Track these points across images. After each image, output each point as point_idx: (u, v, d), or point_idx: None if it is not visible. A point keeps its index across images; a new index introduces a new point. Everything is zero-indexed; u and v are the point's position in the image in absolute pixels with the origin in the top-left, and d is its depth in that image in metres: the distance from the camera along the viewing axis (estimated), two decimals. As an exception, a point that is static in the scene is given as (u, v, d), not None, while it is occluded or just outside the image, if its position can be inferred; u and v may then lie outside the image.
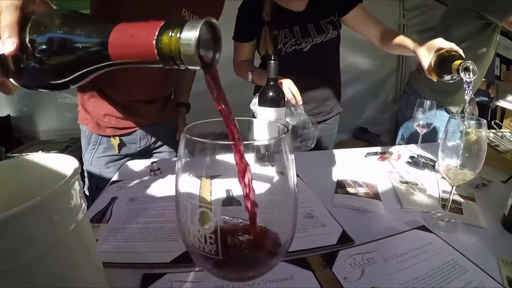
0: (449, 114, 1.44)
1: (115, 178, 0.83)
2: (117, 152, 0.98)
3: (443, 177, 0.86)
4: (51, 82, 0.33)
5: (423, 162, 0.96)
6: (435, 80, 0.78)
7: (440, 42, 0.76)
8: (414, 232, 0.57)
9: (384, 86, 3.03)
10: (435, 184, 0.82)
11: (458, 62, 0.66)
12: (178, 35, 0.23)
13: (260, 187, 0.25)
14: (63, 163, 0.36)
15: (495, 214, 0.64)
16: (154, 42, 0.24)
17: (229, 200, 0.27)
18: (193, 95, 1.27)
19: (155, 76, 0.98)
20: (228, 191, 0.26)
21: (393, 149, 1.11)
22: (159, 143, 1.12)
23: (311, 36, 1.13)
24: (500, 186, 0.82)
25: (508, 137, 1.07)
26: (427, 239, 0.55)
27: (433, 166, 0.93)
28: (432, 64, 0.75)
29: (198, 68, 0.25)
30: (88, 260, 0.36)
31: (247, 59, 1.22)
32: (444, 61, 0.72)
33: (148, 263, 0.49)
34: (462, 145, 0.53)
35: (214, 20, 0.25)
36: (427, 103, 1.05)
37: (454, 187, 0.59)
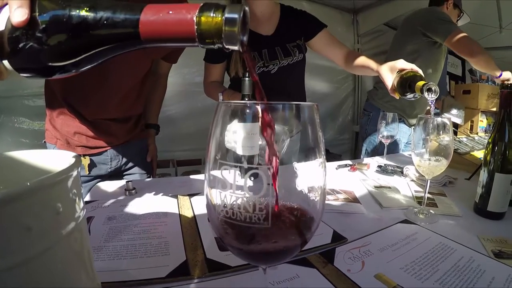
0: (408, 126, 1.59)
1: (87, 199, 0.77)
2: (87, 173, 0.91)
3: (412, 180, 0.94)
4: (56, 64, 0.29)
5: (391, 169, 1.04)
6: (398, 98, 0.84)
7: (402, 64, 0.82)
8: (399, 225, 0.61)
9: (342, 108, 3.22)
10: (406, 186, 0.89)
11: (421, 83, 0.72)
12: (220, 15, 0.25)
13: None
14: (56, 159, 0.31)
15: (466, 204, 0.72)
16: (195, 18, 0.25)
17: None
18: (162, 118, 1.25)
19: (128, 94, 0.95)
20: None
21: (361, 160, 1.18)
22: (130, 164, 1.07)
23: (278, 59, 1.19)
24: (465, 182, 0.93)
25: (465, 141, 1.21)
26: (413, 230, 0.58)
27: (401, 172, 1.00)
28: (395, 84, 0.81)
29: (236, 47, 0.26)
30: (87, 273, 0.30)
31: (217, 80, 1.25)
32: (406, 81, 0.77)
33: (141, 279, 0.45)
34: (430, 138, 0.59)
35: (247, 8, 0.27)
36: (390, 115, 1.14)
37: (429, 181, 0.64)
